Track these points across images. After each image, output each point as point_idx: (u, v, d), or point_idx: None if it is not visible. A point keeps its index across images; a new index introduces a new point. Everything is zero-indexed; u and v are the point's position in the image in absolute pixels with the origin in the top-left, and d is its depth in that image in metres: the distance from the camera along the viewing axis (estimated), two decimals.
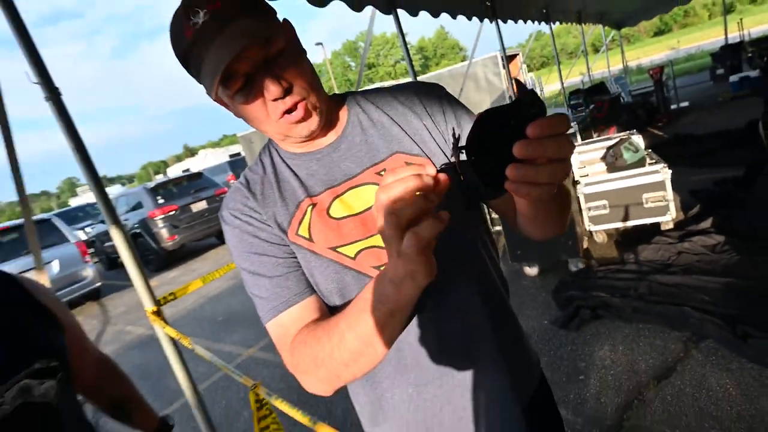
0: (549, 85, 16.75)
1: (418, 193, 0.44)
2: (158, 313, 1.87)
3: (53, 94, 1.68)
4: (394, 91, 0.82)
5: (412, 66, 4.31)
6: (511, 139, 0.41)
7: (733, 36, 13.94)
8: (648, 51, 37.07)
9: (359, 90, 0.86)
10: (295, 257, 0.73)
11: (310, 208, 0.73)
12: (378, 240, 0.71)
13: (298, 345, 0.66)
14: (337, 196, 0.73)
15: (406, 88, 0.82)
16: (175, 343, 1.90)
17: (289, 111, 0.66)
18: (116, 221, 1.84)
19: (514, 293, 3.43)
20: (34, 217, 7.35)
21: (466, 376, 0.78)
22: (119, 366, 1.12)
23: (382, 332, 0.55)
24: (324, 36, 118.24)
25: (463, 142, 0.49)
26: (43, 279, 2.81)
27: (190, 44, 0.62)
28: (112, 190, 26.86)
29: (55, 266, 6.39)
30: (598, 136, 6.39)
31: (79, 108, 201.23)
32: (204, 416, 2.02)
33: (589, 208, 3.79)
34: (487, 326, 0.79)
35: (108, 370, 1.09)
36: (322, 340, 0.62)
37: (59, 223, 6.97)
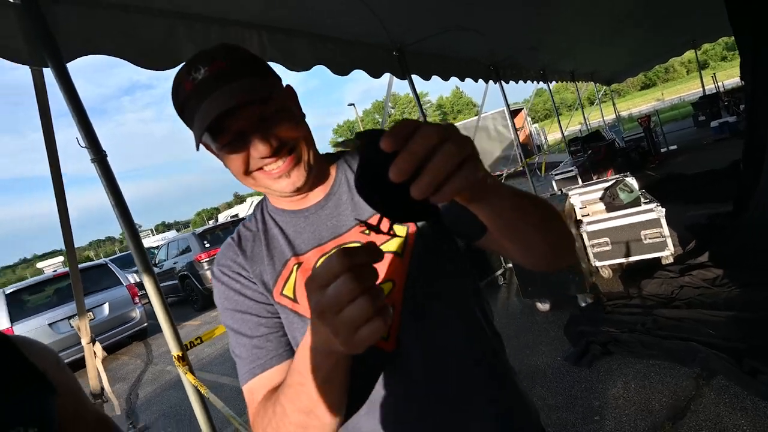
0: (552, 134, 16.88)
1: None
2: (183, 358, 1.79)
3: (99, 157, 1.71)
4: None
5: (425, 118, 4.40)
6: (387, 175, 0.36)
7: (710, 87, 14.77)
8: (637, 102, 37.33)
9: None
10: (279, 318, 0.65)
11: (296, 267, 0.66)
12: None
13: (256, 416, 0.59)
14: (324, 255, 0.67)
15: None
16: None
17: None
18: (148, 270, 1.81)
19: (527, 330, 3.23)
20: (94, 262, 7.50)
21: None
22: (118, 428, 1.00)
23: (320, 402, 0.49)
24: (357, 97, 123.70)
25: None
26: (83, 325, 2.78)
27: (187, 96, 0.59)
28: (168, 235, 27.50)
29: (105, 309, 6.42)
30: (598, 178, 6.27)
31: (149, 162, 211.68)
32: None
33: (593, 245, 3.64)
34: (479, 386, 0.69)
35: (105, 430, 0.97)
36: (268, 414, 0.55)
37: (113, 267, 7.07)
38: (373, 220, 0.50)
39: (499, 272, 4.32)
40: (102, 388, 3.18)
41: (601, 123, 13.89)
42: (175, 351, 1.77)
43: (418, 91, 3.90)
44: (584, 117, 11.52)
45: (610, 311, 3.05)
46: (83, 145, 1.72)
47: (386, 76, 3.63)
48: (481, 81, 5.45)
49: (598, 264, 3.66)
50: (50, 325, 5.90)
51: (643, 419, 1.97)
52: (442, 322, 0.68)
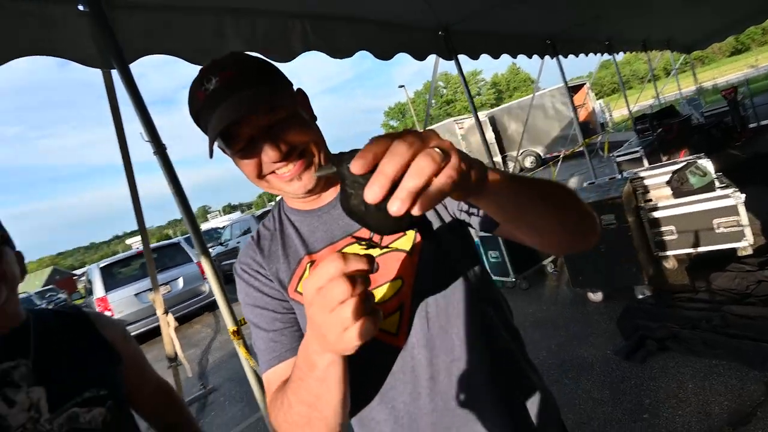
0: (618, 110, 15.46)
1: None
2: (238, 333, 1.94)
3: (159, 150, 1.86)
4: None
5: (473, 104, 4.25)
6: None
7: None
8: (724, 71, 32.94)
9: None
10: (293, 313, 0.69)
11: (309, 265, 0.69)
12: (376, 294, 0.66)
13: (271, 404, 0.62)
14: None
15: None
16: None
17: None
18: (205, 252, 1.96)
19: (577, 320, 3.09)
20: (169, 241, 8.26)
21: None
22: (176, 393, 1.13)
23: (319, 397, 0.51)
24: (408, 78, 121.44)
25: None
26: (157, 298, 3.09)
27: (201, 106, 0.62)
28: (233, 216, 29.39)
29: (179, 283, 7.07)
30: (668, 159, 5.69)
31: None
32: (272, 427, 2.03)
33: (655, 234, 3.35)
34: (488, 383, 0.68)
35: (166, 395, 1.09)
36: (279, 403, 0.58)
37: (185, 246, 7.74)
38: (365, 233, 0.52)
39: (549, 260, 4.14)
40: (176, 353, 3.55)
41: (678, 96, 12.48)
42: (230, 326, 1.93)
43: (471, 70, 3.79)
44: (656, 90, 10.39)
45: (672, 305, 2.82)
46: (146, 139, 1.89)
47: (432, 57, 3.53)
48: (536, 57, 5.04)
49: (661, 254, 3.37)
50: (136, 295, 6.64)
51: (699, 421, 1.83)
52: (450, 320, 0.69)
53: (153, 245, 7.72)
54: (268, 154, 0.62)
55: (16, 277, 0.83)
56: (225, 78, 0.61)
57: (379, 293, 0.68)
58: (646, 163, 6.05)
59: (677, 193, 3.43)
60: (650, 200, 3.58)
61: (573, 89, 13.48)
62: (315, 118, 0.71)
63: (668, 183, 3.59)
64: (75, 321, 0.92)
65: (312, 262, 0.69)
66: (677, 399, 2.00)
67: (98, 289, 6.65)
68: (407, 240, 0.70)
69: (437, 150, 0.36)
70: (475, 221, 0.70)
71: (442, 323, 0.68)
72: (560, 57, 5.46)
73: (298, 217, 0.74)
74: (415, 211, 0.36)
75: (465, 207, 0.71)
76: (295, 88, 0.71)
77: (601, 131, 12.34)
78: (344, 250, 0.69)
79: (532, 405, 0.74)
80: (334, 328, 0.40)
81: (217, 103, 0.60)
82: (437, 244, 0.70)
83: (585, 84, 14.28)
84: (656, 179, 3.69)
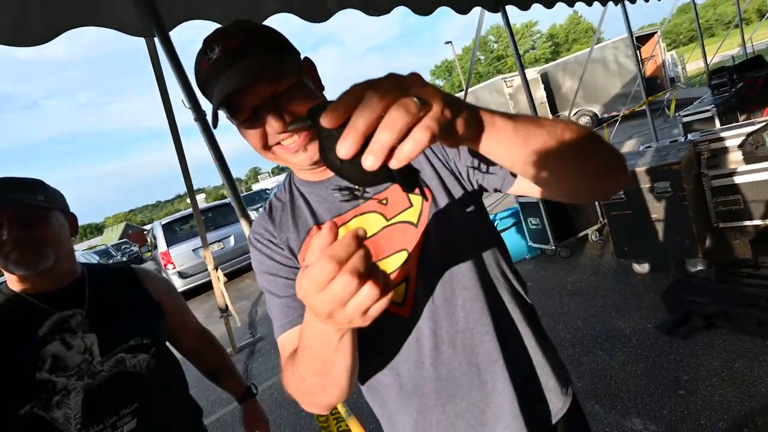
0: (694, 62, 13.47)
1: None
2: None
3: (200, 116, 1.93)
4: None
5: (519, 60, 3.99)
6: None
7: None
8: None
9: None
10: None
11: None
12: (382, 266, 0.67)
13: (285, 369, 0.62)
14: (344, 224, 0.71)
15: None
16: None
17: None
18: (245, 215, 2.06)
19: (618, 291, 2.96)
20: (222, 201, 8.72)
21: (472, 404, 0.70)
22: (216, 340, 1.24)
23: (331, 366, 0.52)
24: (456, 33, 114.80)
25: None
26: (208, 255, 3.33)
27: (205, 76, 0.62)
28: (281, 177, 30.29)
29: (231, 240, 7.53)
30: (747, 119, 5.04)
31: None
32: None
33: (718, 203, 3.06)
34: (492, 354, 0.69)
35: (207, 342, 1.21)
36: (290, 372, 0.59)
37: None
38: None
39: (594, 228, 3.93)
40: (226, 305, 3.86)
41: None
42: None
43: (525, 21, 3.52)
44: (743, 38, 9.03)
45: (728, 280, 2.61)
46: (187, 106, 1.97)
47: (476, 10, 3.29)
48: (597, 4, 4.47)
49: (722, 225, 3.09)
50: (193, 250, 7.15)
51: (740, 401, 1.74)
52: (455, 293, 0.69)
53: (208, 204, 8.19)
54: (272, 125, 0.61)
55: (64, 238, 0.93)
56: (229, 47, 0.60)
57: (384, 265, 0.69)
58: (717, 123, 5.42)
59: (750, 159, 3.07)
60: (716, 165, 3.25)
61: (641, 39, 12.01)
62: (323, 88, 0.70)
63: (740, 146, 3.22)
64: (124, 276, 1.03)
65: None
66: (719, 377, 1.90)
67: (161, 244, 7.28)
68: (414, 212, 0.69)
69: (414, 99, 0.34)
70: (490, 180, 0.68)
71: (447, 295, 0.69)
72: (626, 2, 4.87)
73: (307, 188, 0.75)
74: (393, 165, 0.34)
75: (475, 163, 0.68)
76: (302, 56, 0.70)
77: (669, 87, 11.08)
78: (351, 222, 0.71)
79: (541, 377, 0.75)
80: (326, 306, 0.39)
81: (221, 72, 0.59)
82: (457, 206, 0.69)
83: (656, 33, 12.63)
84: (727, 142, 3.31)
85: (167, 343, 1.06)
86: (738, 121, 4.85)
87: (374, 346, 0.69)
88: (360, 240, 0.38)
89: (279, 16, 2.13)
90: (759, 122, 3.30)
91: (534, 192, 0.63)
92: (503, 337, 0.71)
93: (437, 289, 0.69)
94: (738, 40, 9.98)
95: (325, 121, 0.34)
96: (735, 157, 3.23)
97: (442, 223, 0.69)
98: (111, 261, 13.56)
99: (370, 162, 0.34)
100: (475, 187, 0.71)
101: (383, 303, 0.39)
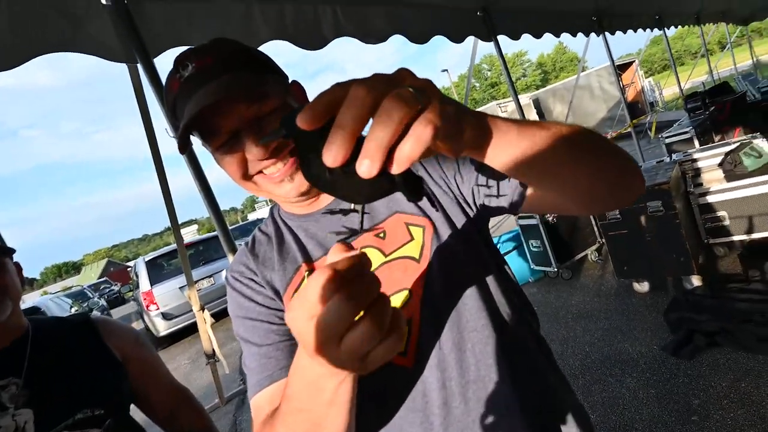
0: (669, 88, 14.28)
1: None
2: None
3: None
4: None
5: (512, 86, 4.12)
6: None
7: None
8: None
9: None
10: None
11: (307, 274, 0.62)
12: None
13: None
14: None
15: None
16: None
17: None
18: (233, 250, 1.99)
19: (621, 313, 2.90)
20: (212, 234, 8.44)
21: None
22: (194, 398, 1.04)
23: (327, 424, 0.42)
24: (452, 61, 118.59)
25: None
26: (193, 295, 3.17)
27: (176, 95, 0.55)
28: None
29: (222, 276, 7.23)
30: (721, 139, 5.22)
31: None
32: None
33: (706, 220, 3.08)
34: (510, 407, 0.60)
35: (182, 401, 1.02)
36: None
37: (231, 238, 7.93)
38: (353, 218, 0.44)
39: (593, 248, 3.91)
40: (213, 350, 3.65)
41: (733, 71, 11.45)
42: None
43: (516, 51, 3.57)
44: (709, 66, 9.56)
45: (722, 296, 2.58)
46: (171, 135, 1.91)
47: (470, 39, 3.35)
48: (581, 35, 4.70)
49: (711, 241, 3.10)
50: (180, 288, 6.50)
51: (753, 425, 1.65)
52: (463, 335, 0.60)
53: (199, 237, 7.87)
54: (252, 151, 0.53)
55: (19, 288, 0.81)
56: (203, 64, 0.53)
57: None
58: (696, 144, 5.59)
59: (730, 177, 3.13)
60: (701, 184, 3.30)
61: (621, 68, 12.78)
62: None
63: (720, 165, 3.29)
64: (79, 331, 0.88)
65: (311, 271, 0.62)
66: (728, 400, 1.82)
67: (144, 283, 6.53)
68: (415, 245, 0.61)
69: (409, 89, 0.28)
70: (500, 199, 0.59)
71: (455, 340, 0.59)
72: (607, 34, 5.09)
73: (296, 222, 0.66)
74: (394, 170, 0.28)
75: (482, 180, 0.60)
76: (290, 80, 0.63)
77: (649, 111, 11.58)
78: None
79: (563, 425, 0.65)
80: (350, 358, 0.31)
81: (193, 90, 0.52)
82: (460, 239, 0.61)
83: (634, 62, 13.46)
84: (707, 161, 3.38)
85: (132, 407, 0.90)
86: (714, 142, 5.02)
87: (373, 406, 0.58)
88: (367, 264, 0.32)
89: (277, 44, 2.11)
90: (734, 142, 3.40)
91: (546, 206, 0.56)
92: (520, 384, 0.61)
93: (444, 333, 0.59)
94: (705, 68, 10.64)
95: (302, 122, 0.28)
96: (717, 176, 3.29)
97: (446, 257, 0.60)
98: (86, 303, 12.69)
99: (366, 167, 0.27)
100: (481, 211, 0.64)
101: (391, 344, 0.32)
